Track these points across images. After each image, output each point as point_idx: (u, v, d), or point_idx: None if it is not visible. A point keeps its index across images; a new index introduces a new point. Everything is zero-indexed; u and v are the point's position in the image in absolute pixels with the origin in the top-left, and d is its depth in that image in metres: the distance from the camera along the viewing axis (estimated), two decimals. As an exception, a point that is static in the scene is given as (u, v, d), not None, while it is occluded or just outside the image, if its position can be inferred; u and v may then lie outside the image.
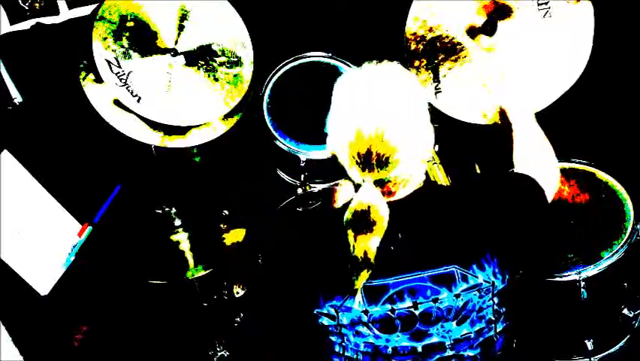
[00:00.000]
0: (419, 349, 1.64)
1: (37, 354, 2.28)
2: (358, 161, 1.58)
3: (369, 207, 1.55)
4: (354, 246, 1.56)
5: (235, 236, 2.76)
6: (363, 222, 1.55)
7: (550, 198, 1.79)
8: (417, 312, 1.62)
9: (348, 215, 1.58)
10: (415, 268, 1.61)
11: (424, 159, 1.65)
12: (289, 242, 1.72)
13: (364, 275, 1.57)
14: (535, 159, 1.88)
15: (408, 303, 1.61)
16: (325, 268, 1.65)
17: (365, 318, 1.63)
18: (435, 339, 1.64)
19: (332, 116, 1.66)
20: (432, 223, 1.64)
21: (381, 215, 1.55)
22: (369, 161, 1.57)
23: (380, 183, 1.59)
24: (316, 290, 1.65)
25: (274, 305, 1.81)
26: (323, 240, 1.68)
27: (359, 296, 1.61)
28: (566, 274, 2.24)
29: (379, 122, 1.56)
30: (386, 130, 1.55)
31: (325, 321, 1.67)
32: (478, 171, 2.82)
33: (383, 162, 1.56)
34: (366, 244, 1.55)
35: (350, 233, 1.57)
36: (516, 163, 1.91)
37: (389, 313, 1.62)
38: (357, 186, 1.61)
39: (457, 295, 1.61)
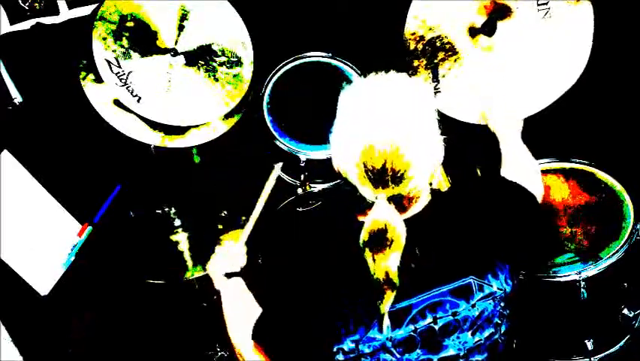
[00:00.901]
0: None
1: (37, 354, 2.28)
2: (371, 177, 1.52)
3: (385, 225, 1.50)
4: (374, 268, 1.51)
5: (234, 236, 2.76)
6: (380, 241, 1.50)
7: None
8: (436, 327, 1.59)
9: (364, 236, 1.51)
10: (434, 284, 1.58)
11: (433, 172, 1.60)
12: (303, 278, 1.64)
13: (389, 297, 1.52)
14: (520, 173, 1.87)
15: (429, 319, 1.58)
16: (345, 300, 1.58)
17: (389, 344, 1.58)
18: (451, 351, 1.61)
19: (339, 131, 1.59)
20: (446, 236, 1.60)
21: (399, 232, 1.50)
22: (384, 177, 1.51)
23: (394, 200, 1.53)
24: (337, 325, 1.57)
25: (288, 348, 1.67)
26: (340, 268, 1.60)
27: (387, 321, 1.55)
28: (566, 274, 2.24)
29: (393, 136, 1.50)
30: (401, 145, 1.50)
31: (341, 356, 1.60)
32: (479, 174, 2.82)
33: (398, 178, 1.51)
34: (387, 264, 1.50)
35: (368, 254, 1.51)
36: (503, 173, 1.94)
37: (412, 333, 1.58)
38: (370, 204, 1.55)
39: (473, 305, 1.59)
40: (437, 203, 1.65)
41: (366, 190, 1.54)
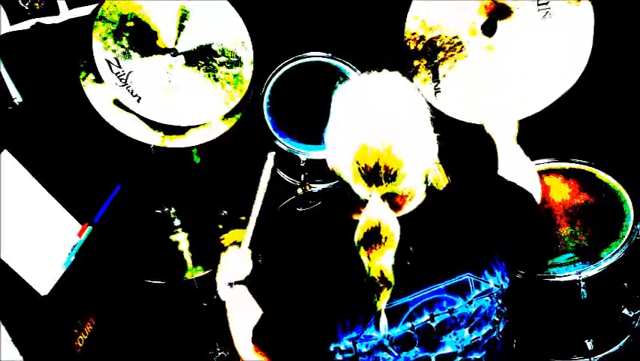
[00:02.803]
0: (432, 359, 1.62)
1: (37, 354, 2.28)
2: (365, 176, 1.53)
3: (379, 223, 1.50)
4: (369, 266, 1.51)
5: (234, 236, 2.76)
6: (374, 239, 1.50)
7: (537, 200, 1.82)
8: (433, 324, 1.59)
9: (359, 235, 1.52)
10: (431, 281, 1.58)
11: (427, 169, 1.60)
12: (300, 276, 1.65)
13: (385, 295, 1.51)
14: (517, 175, 1.86)
15: (426, 317, 1.58)
16: (342, 298, 1.58)
17: (387, 342, 1.58)
18: (449, 349, 1.61)
19: (332, 130, 1.60)
20: (441, 233, 1.61)
21: (392, 230, 1.50)
22: (377, 175, 1.52)
23: (387, 198, 1.54)
24: (334, 324, 1.57)
25: (286, 347, 1.67)
26: (336, 267, 1.60)
27: (384, 320, 1.55)
28: (566, 274, 2.24)
29: (386, 135, 1.51)
30: (394, 143, 1.51)
31: (340, 356, 1.60)
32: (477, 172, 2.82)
33: (391, 176, 1.52)
34: (381, 262, 1.50)
35: (363, 253, 1.51)
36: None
37: (409, 330, 1.58)
38: (364, 201, 1.55)
39: (470, 302, 1.59)
40: (432, 201, 1.65)
41: (360, 188, 1.55)
